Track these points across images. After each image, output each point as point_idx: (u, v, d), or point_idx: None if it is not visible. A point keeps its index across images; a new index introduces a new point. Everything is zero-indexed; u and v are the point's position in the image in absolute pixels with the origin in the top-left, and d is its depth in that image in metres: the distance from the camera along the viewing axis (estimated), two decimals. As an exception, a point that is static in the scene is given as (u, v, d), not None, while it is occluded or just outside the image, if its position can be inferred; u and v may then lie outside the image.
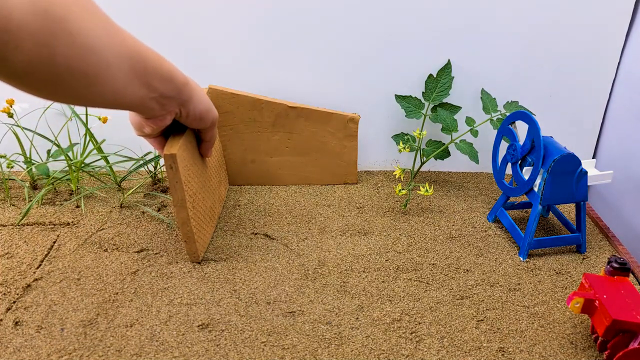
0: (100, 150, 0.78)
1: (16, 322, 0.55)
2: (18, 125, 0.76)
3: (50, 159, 0.79)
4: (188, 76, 0.53)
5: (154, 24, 0.77)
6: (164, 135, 0.59)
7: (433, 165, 0.91)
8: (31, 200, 0.75)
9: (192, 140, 0.62)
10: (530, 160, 0.67)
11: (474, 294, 0.62)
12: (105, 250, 0.67)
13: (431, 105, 0.82)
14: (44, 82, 0.37)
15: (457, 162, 0.89)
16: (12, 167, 0.80)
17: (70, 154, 0.77)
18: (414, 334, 0.55)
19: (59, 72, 0.37)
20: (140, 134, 0.56)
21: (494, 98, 0.81)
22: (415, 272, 0.65)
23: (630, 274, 0.65)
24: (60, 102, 0.41)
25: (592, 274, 0.54)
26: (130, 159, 0.79)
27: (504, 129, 0.72)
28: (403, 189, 0.77)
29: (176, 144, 0.57)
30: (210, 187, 0.71)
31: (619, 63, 0.82)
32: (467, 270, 0.66)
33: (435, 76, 0.81)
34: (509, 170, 0.73)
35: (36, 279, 0.61)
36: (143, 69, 0.45)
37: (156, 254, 0.66)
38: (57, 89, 0.39)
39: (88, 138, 0.76)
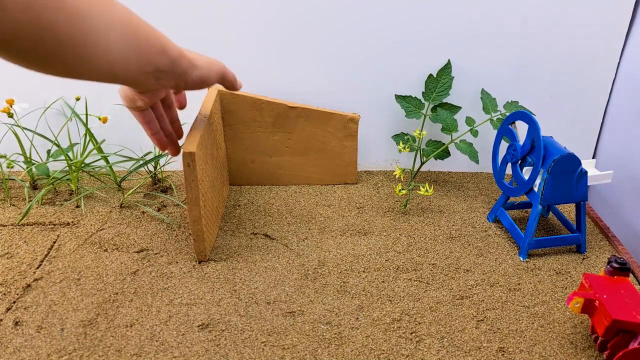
0: (100, 150, 0.78)
1: (16, 322, 0.55)
2: (18, 125, 0.76)
3: (50, 159, 0.79)
4: (182, 48, 0.50)
5: (154, 25, 0.77)
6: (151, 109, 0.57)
7: (433, 165, 0.91)
8: (31, 200, 0.75)
9: (206, 139, 0.63)
10: (530, 160, 0.67)
11: (474, 294, 0.62)
12: (105, 250, 0.67)
13: (431, 105, 0.82)
14: (32, 50, 0.35)
15: (457, 162, 0.89)
16: (12, 167, 0.80)
17: (70, 154, 0.77)
18: (414, 334, 0.55)
19: (46, 38, 0.35)
20: (130, 105, 0.54)
21: (494, 98, 0.81)
22: (415, 272, 0.65)
23: (630, 274, 0.65)
24: (54, 74, 0.39)
25: (592, 274, 0.54)
26: (130, 159, 0.79)
27: (504, 129, 0.72)
28: (403, 189, 0.77)
29: (194, 142, 0.57)
30: (216, 187, 0.71)
31: (619, 63, 0.82)
32: (467, 270, 0.66)
33: (435, 76, 0.81)
34: (509, 170, 0.73)
35: (36, 279, 0.61)
36: (136, 41, 0.43)
37: (156, 254, 0.66)
38: (47, 59, 0.37)
39: (88, 138, 0.76)
